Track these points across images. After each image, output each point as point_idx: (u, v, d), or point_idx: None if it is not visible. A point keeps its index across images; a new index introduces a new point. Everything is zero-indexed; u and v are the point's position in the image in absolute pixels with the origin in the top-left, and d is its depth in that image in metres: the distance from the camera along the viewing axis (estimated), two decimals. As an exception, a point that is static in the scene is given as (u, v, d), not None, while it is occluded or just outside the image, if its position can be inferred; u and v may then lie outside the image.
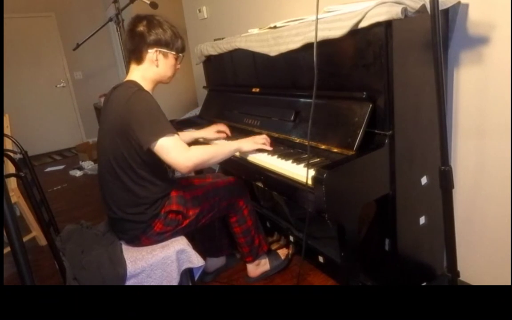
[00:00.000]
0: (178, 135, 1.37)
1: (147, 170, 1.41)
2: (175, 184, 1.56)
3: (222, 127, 1.90)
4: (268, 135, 1.64)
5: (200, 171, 2.39)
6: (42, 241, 2.50)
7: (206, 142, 1.89)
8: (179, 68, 1.55)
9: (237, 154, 1.57)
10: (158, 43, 1.44)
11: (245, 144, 1.53)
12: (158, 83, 1.52)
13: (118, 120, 1.37)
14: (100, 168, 1.50)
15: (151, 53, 1.44)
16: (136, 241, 1.48)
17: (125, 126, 1.34)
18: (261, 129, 1.70)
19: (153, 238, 1.48)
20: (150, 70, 1.47)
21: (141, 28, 1.43)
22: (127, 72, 1.53)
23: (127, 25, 1.50)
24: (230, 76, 2.13)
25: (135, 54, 1.45)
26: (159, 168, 1.45)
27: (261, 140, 1.55)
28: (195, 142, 1.95)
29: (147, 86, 1.47)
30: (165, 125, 1.34)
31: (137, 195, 1.42)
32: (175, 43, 1.48)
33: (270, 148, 1.53)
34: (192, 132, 1.92)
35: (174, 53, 1.49)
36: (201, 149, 1.45)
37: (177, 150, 1.33)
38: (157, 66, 1.46)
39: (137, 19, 1.46)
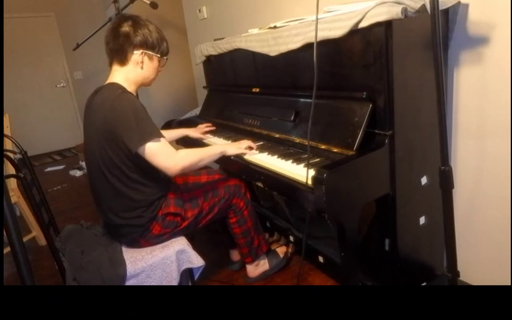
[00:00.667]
0: (165, 138, 1.36)
1: (139, 172, 1.38)
2: (172, 185, 1.55)
3: (204, 127, 1.99)
4: (268, 135, 1.65)
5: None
6: (42, 241, 2.50)
7: (195, 140, 1.93)
8: (160, 71, 1.53)
9: (237, 154, 1.58)
10: (144, 45, 1.41)
11: (230, 148, 1.55)
12: (140, 85, 1.49)
13: (103, 125, 1.33)
14: (90, 175, 1.46)
15: (137, 55, 1.41)
16: (135, 244, 1.48)
17: (111, 130, 1.31)
18: (261, 129, 1.70)
19: (152, 241, 1.47)
20: (134, 71, 1.43)
21: (127, 28, 1.39)
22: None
23: (110, 24, 1.45)
24: (230, 76, 2.13)
25: (118, 55, 1.41)
26: (151, 169, 1.39)
27: (245, 145, 1.58)
28: (186, 140, 1.99)
29: (130, 87, 1.43)
30: (152, 128, 1.33)
31: (132, 199, 1.40)
32: (161, 46, 1.47)
33: (255, 152, 1.56)
34: (181, 130, 1.98)
35: (159, 55, 1.47)
36: (189, 152, 1.44)
37: (165, 154, 1.33)
38: (141, 68, 1.43)
39: (122, 19, 1.41)
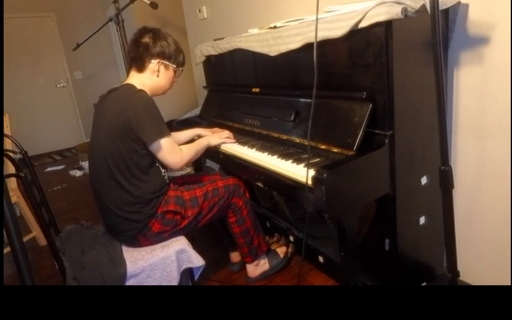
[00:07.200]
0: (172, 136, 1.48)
1: (142, 170, 1.43)
2: (170, 184, 1.58)
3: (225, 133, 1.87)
4: (268, 135, 1.65)
5: (200, 168, 2.40)
6: (42, 241, 2.50)
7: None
8: (175, 81, 1.63)
9: (237, 153, 1.61)
10: (161, 55, 1.51)
11: (212, 139, 1.72)
12: (155, 93, 1.56)
13: (118, 119, 1.39)
14: (93, 170, 1.50)
15: (154, 64, 1.51)
16: (135, 242, 1.48)
17: (126, 124, 1.37)
18: (261, 129, 1.70)
19: (152, 239, 1.48)
20: (150, 79, 1.53)
21: (147, 39, 1.50)
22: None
23: (133, 34, 1.55)
24: (230, 76, 2.13)
25: (137, 62, 1.52)
26: (153, 168, 1.47)
27: (225, 134, 1.76)
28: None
29: None
30: (164, 126, 1.44)
31: (132, 193, 1.43)
32: (177, 57, 1.57)
33: (233, 141, 1.74)
34: (193, 130, 1.90)
35: (175, 66, 1.56)
36: (188, 148, 1.59)
37: (173, 152, 1.47)
38: (157, 76, 1.53)
39: (144, 31, 1.53)
